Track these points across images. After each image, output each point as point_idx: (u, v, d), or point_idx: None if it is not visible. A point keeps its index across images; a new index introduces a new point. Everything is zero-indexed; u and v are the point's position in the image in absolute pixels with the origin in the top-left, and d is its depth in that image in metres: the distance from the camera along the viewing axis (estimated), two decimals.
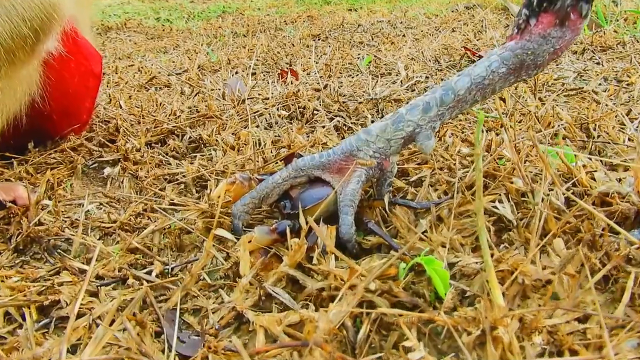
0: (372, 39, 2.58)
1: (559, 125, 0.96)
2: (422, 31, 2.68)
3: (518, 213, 0.70)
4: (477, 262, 0.63)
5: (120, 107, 1.33)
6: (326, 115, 1.18)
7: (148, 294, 0.65)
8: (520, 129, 0.98)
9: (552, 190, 0.73)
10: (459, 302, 0.57)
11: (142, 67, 2.22)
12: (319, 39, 2.69)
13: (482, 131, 0.99)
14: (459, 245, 0.65)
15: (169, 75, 1.94)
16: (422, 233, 0.67)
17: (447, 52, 1.88)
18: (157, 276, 0.69)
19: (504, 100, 1.17)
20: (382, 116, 1.22)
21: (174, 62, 2.41)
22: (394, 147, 0.72)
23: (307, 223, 0.69)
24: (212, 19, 4.40)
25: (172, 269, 0.71)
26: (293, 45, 2.44)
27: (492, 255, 0.60)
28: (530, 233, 0.66)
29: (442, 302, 0.56)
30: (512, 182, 0.74)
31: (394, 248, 0.64)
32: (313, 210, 0.70)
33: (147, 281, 0.67)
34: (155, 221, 0.80)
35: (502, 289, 0.55)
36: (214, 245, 0.74)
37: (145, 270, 0.70)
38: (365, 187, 0.82)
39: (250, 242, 0.69)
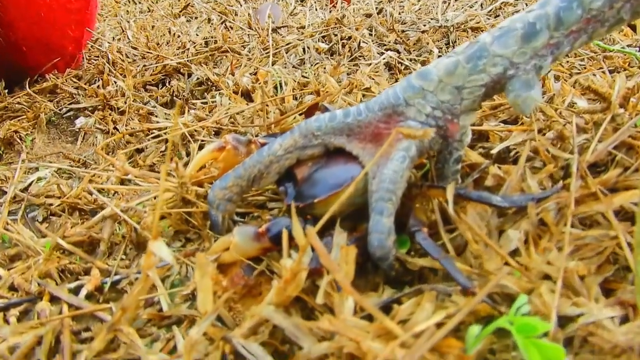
0: None
1: None
2: None
3: None
4: (613, 318, 0.34)
5: (128, 39, 1.09)
6: (376, 49, 0.88)
7: (63, 331, 0.41)
8: None
9: None
10: None
11: None
12: None
13: (604, 71, 0.66)
14: (578, 280, 0.36)
15: (206, 2, 1.67)
16: (511, 255, 0.39)
17: None
18: (87, 296, 0.46)
19: (633, 27, 0.82)
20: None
21: None
22: (468, 100, 0.43)
23: (305, 222, 0.43)
24: None
25: (117, 282, 0.47)
26: None
27: None
28: None
29: None
30: None
31: (461, 285, 0.36)
32: (329, 202, 0.43)
33: (69, 305, 0.44)
34: (111, 198, 0.56)
35: None
36: (180, 248, 0.49)
37: (75, 284, 0.47)
38: (421, 158, 0.53)
39: (227, 249, 0.44)
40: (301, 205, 0.44)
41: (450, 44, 0.91)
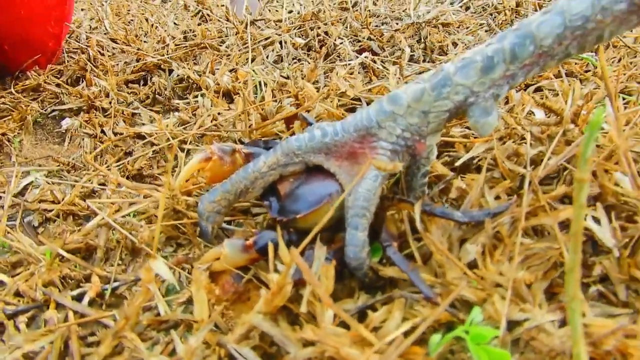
0: None
1: None
2: None
3: (622, 234, 0.46)
4: (554, 321, 0.40)
5: (106, 30, 1.10)
6: (351, 46, 0.92)
7: (71, 337, 0.46)
8: (618, 77, 0.70)
9: None
10: None
11: None
12: None
13: (562, 79, 0.72)
14: (525, 289, 0.42)
15: None
16: (469, 266, 0.44)
17: None
18: (90, 302, 0.50)
19: None
20: (425, 47, 0.94)
21: None
22: (434, 123, 0.48)
23: (289, 234, 0.48)
24: None
25: (116, 288, 0.52)
26: None
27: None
28: None
29: None
30: (611, 180, 0.49)
31: (425, 296, 0.41)
32: (309, 218, 0.48)
33: (74, 312, 0.48)
34: (104, 207, 0.59)
35: None
36: (172, 253, 0.54)
37: (77, 291, 0.51)
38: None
39: (217, 259, 0.49)
40: (284, 220, 0.48)
41: (422, 40, 0.95)
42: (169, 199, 0.55)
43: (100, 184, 0.65)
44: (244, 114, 0.67)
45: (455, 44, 0.95)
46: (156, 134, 0.70)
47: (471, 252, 0.45)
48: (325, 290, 0.41)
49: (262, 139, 0.69)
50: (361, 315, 0.44)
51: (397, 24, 0.99)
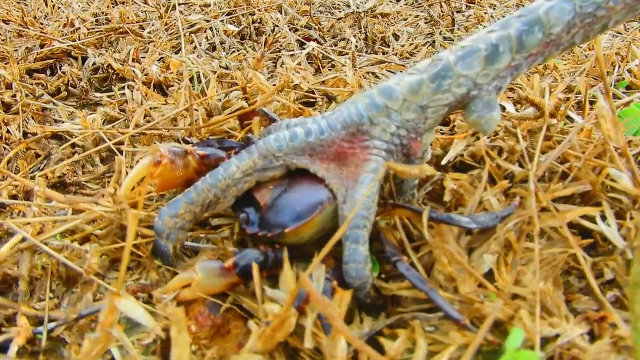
0: None
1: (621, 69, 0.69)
2: None
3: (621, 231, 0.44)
4: (582, 335, 0.37)
5: None
6: (292, 34, 0.85)
7: None
8: (568, 71, 0.70)
9: None
10: None
11: None
12: None
13: None
14: (550, 301, 0.39)
15: None
16: (486, 276, 0.40)
17: None
18: (19, 351, 0.39)
19: None
20: (366, 37, 0.90)
21: None
22: (432, 119, 0.43)
23: (274, 252, 0.40)
24: None
25: (51, 330, 0.41)
26: None
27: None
28: None
29: None
30: (601, 176, 0.47)
31: (452, 319, 0.36)
32: (300, 231, 0.41)
33: None
34: (21, 226, 0.48)
35: None
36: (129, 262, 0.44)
37: (1, 338, 0.40)
38: None
39: (187, 286, 0.40)
40: (269, 235, 0.41)
41: (362, 29, 0.90)
42: (114, 214, 0.45)
43: (11, 197, 0.53)
44: (190, 110, 0.58)
45: (396, 35, 0.91)
46: (80, 133, 0.58)
47: (487, 262, 0.40)
48: (339, 321, 0.34)
49: (211, 137, 0.60)
50: (370, 343, 0.38)
51: (339, 12, 0.94)
